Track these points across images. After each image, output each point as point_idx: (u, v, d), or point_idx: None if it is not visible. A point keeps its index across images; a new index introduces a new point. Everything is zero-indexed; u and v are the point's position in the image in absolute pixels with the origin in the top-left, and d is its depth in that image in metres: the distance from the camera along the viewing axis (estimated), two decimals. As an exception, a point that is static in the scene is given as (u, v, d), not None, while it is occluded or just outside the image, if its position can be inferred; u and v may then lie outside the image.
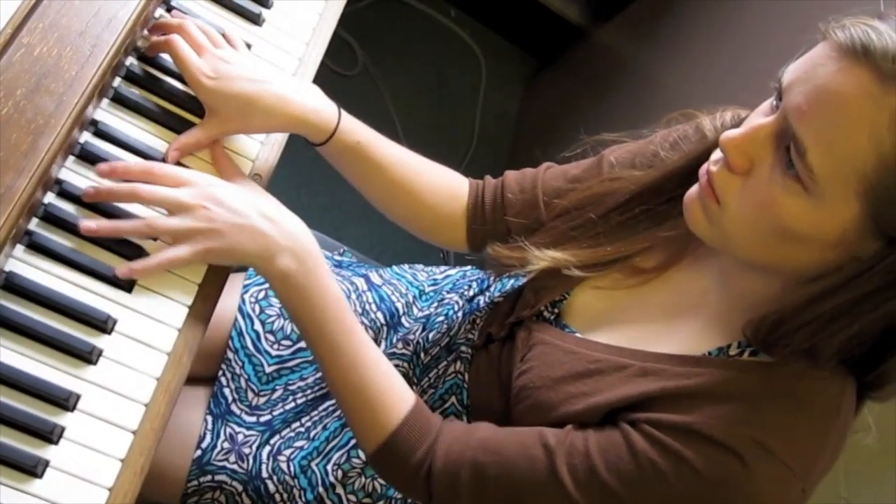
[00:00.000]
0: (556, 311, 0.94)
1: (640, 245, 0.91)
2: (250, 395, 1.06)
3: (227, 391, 1.05)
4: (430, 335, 1.09)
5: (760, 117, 0.74)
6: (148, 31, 0.93)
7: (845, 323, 0.71)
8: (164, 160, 0.88)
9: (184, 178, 0.85)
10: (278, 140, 1.00)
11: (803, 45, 0.73)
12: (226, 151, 0.93)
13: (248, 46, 1.00)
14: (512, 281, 1.05)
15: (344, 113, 0.96)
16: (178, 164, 0.90)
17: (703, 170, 0.78)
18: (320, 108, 0.94)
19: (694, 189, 0.79)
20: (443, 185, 1.04)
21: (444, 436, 0.87)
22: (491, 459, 0.84)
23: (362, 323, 1.11)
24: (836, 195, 0.68)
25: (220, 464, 1.00)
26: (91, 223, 0.81)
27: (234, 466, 1.01)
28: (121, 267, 0.81)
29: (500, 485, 0.84)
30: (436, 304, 1.13)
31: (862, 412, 0.80)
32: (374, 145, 0.99)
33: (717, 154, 0.77)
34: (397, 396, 0.88)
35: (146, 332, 0.82)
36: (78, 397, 0.77)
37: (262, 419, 1.05)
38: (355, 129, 0.97)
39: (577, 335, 0.91)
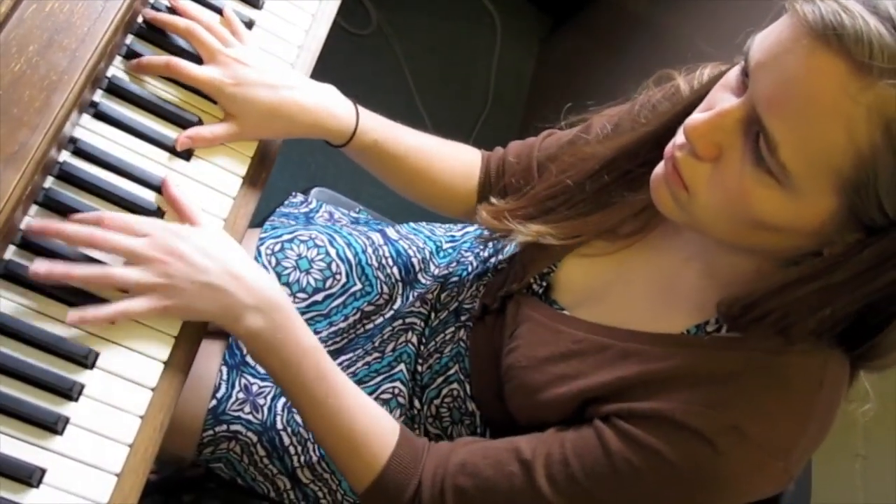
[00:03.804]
0: (544, 283, 0.94)
1: (619, 213, 0.89)
2: None
3: (241, 343, 1.05)
4: (443, 296, 1.09)
5: (726, 94, 0.69)
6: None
7: (817, 306, 0.69)
8: (174, 143, 0.87)
9: (139, 227, 0.79)
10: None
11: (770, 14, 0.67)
12: (187, 198, 0.85)
13: (250, 25, 0.98)
14: (522, 244, 1.04)
15: (361, 111, 0.98)
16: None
17: (668, 151, 0.74)
18: (339, 112, 0.96)
19: (660, 170, 0.75)
20: (458, 165, 1.06)
21: (428, 463, 0.86)
22: (471, 482, 0.83)
23: (378, 278, 1.11)
24: (811, 190, 0.64)
25: (236, 414, 1.01)
26: (41, 267, 0.75)
27: (249, 417, 1.01)
28: (72, 313, 0.75)
29: None
30: (454, 263, 1.13)
31: (858, 382, 0.78)
32: (392, 139, 1.01)
33: (681, 137, 0.72)
34: (381, 433, 0.87)
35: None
36: (97, 355, 0.77)
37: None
38: (373, 127, 0.99)
39: (565, 312, 0.90)
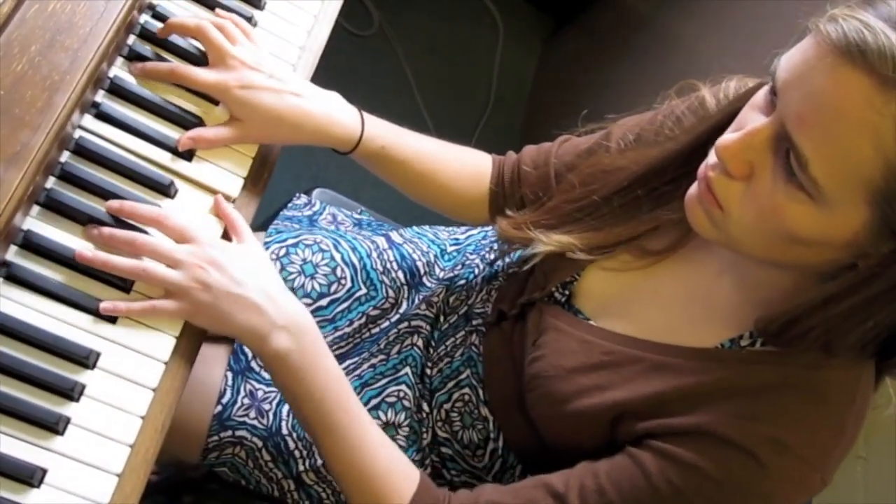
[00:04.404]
0: (566, 292, 0.93)
1: (645, 227, 0.89)
2: None
3: (246, 348, 1.05)
4: (451, 299, 1.08)
5: (756, 114, 0.71)
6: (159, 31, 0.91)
7: (860, 319, 0.70)
8: (176, 143, 0.87)
9: (191, 233, 0.81)
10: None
11: (795, 34, 0.69)
12: (235, 213, 0.87)
13: (250, 20, 0.98)
14: (531, 249, 1.04)
15: (366, 118, 0.97)
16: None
17: (701, 172, 0.75)
18: (344, 120, 0.95)
19: (693, 191, 0.76)
20: (466, 169, 1.06)
21: None
22: None
23: (383, 283, 1.11)
24: (843, 202, 0.65)
25: (241, 419, 1.01)
26: (87, 252, 0.78)
27: (255, 422, 1.01)
28: (105, 302, 0.77)
29: None
30: (459, 266, 1.13)
31: (882, 384, 0.79)
32: (398, 145, 1.00)
33: (714, 157, 0.73)
34: (402, 475, 0.86)
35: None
36: (98, 355, 0.77)
37: (282, 376, 1.05)
38: (379, 133, 0.98)
39: (591, 322, 0.90)
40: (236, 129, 0.90)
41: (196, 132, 0.88)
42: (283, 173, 1.77)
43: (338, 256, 1.10)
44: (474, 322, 1.02)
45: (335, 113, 0.95)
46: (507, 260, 1.05)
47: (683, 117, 0.91)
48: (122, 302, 0.78)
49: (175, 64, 0.89)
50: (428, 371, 1.05)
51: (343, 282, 1.10)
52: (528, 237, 0.93)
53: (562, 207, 0.94)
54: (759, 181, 0.70)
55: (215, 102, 0.92)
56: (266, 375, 1.04)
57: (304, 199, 1.27)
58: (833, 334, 0.71)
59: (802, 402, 0.74)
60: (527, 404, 0.91)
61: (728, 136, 0.71)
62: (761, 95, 0.72)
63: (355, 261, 1.11)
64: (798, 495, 0.75)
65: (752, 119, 0.71)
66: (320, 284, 1.09)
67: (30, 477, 0.70)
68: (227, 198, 0.89)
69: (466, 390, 1.00)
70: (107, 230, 0.79)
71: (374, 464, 0.84)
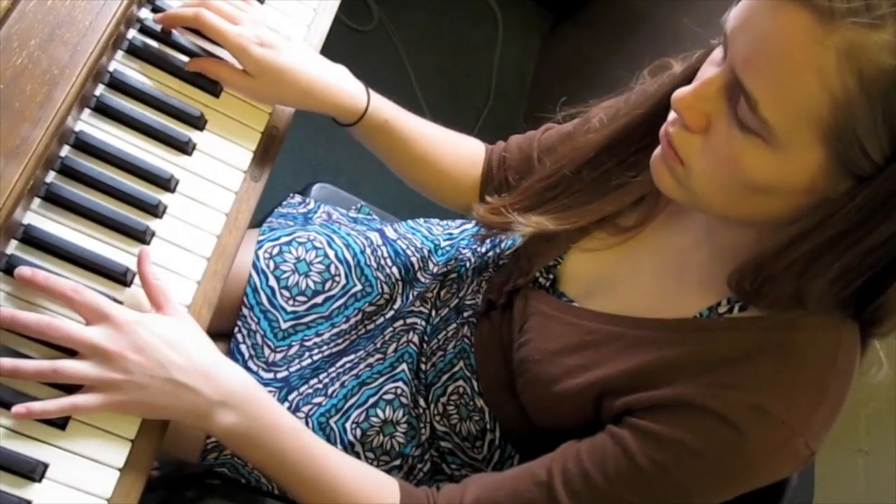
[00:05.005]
0: (551, 276, 0.94)
1: (619, 200, 0.89)
2: (266, 351, 1.06)
3: (243, 347, 1.05)
4: (442, 293, 1.09)
5: (711, 67, 0.71)
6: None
7: (825, 263, 0.69)
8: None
9: (104, 311, 0.74)
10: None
11: None
12: (158, 280, 0.80)
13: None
14: (520, 238, 1.04)
15: (372, 92, 0.99)
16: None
17: (662, 130, 0.75)
18: (352, 90, 0.98)
19: (658, 151, 0.76)
20: (462, 155, 1.07)
21: None
22: None
23: (377, 279, 1.11)
24: (797, 143, 0.65)
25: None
26: None
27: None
28: (18, 406, 0.70)
29: None
30: (452, 261, 1.13)
31: (873, 349, 0.79)
32: (400, 122, 1.02)
33: (673, 113, 0.74)
34: (382, 497, 0.84)
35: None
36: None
37: (279, 375, 1.05)
38: (383, 108, 1.00)
39: (574, 304, 0.90)
40: (248, 81, 0.92)
41: (212, 64, 0.90)
42: (282, 170, 1.77)
43: (331, 254, 1.10)
44: (465, 314, 1.02)
45: (344, 82, 0.97)
46: (497, 251, 1.05)
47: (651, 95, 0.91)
48: (37, 403, 0.71)
49: (201, 10, 0.90)
50: (423, 366, 1.05)
51: (338, 279, 1.10)
52: (506, 221, 0.94)
53: (534, 187, 0.95)
54: (716, 132, 0.70)
55: (216, 95, 0.92)
56: (264, 375, 1.04)
57: (298, 198, 1.27)
58: (802, 280, 0.71)
59: (780, 366, 0.73)
60: (517, 390, 0.91)
61: (683, 89, 0.71)
62: (717, 51, 0.72)
63: (349, 257, 1.11)
64: (783, 462, 0.75)
65: (708, 73, 0.71)
66: (314, 282, 1.09)
67: (31, 471, 0.70)
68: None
69: (461, 382, 1.00)
70: (7, 314, 0.72)
71: (355, 497, 0.83)
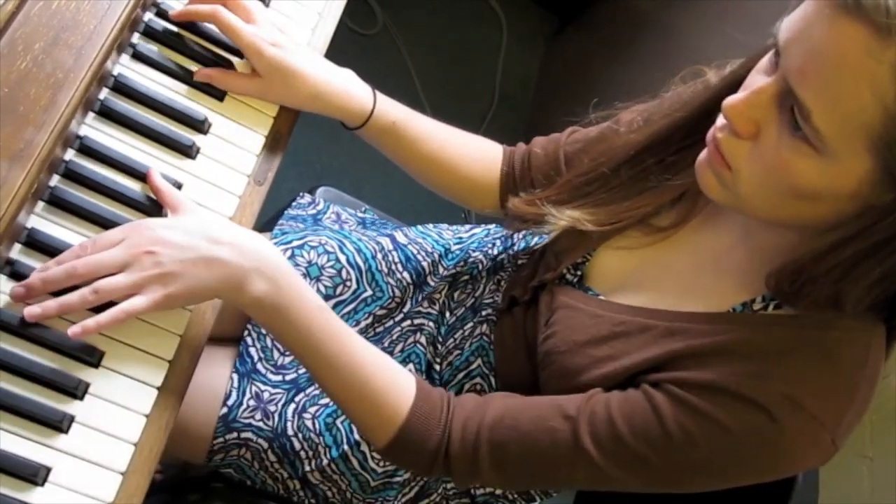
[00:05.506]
0: (578, 273, 0.94)
1: (656, 198, 0.90)
2: (276, 354, 1.06)
3: (252, 350, 1.05)
4: (456, 294, 1.09)
5: (760, 76, 0.73)
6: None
7: (866, 268, 0.71)
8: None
9: (116, 235, 0.77)
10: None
11: None
12: (167, 183, 0.84)
13: (265, 1, 0.99)
14: (536, 239, 1.04)
15: (378, 95, 1.00)
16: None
17: (709, 135, 0.77)
18: (359, 93, 0.98)
19: (703, 155, 0.77)
20: (478, 155, 1.07)
21: (457, 415, 0.85)
22: (509, 435, 0.83)
23: (388, 284, 1.11)
24: (846, 152, 0.67)
25: (246, 421, 1.01)
26: (35, 308, 0.73)
27: (260, 424, 1.01)
28: (74, 326, 0.73)
29: (521, 460, 0.83)
30: (462, 263, 1.13)
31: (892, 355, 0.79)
32: (409, 123, 1.02)
33: (721, 119, 0.75)
34: (399, 387, 0.86)
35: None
36: (103, 354, 0.77)
37: (288, 378, 1.05)
38: (389, 110, 1.00)
39: (601, 297, 0.91)
40: (257, 84, 0.93)
41: (219, 73, 0.91)
42: (286, 173, 1.77)
43: (343, 258, 1.10)
44: (483, 313, 1.02)
45: (352, 86, 0.98)
46: (511, 252, 1.05)
47: (689, 99, 0.92)
48: (89, 320, 0.74)
49: (218, 7, 0.91)
50: (436, 367, 1.05)
51: (349, 283, 1.10)
52: (540, 213, 0.94)
53: (572, 181, 0.96)
54: (766, 139, 0.71)
55: (221, 98, 0.92)
56: (272, 377, 1.04)
57: (307, 198, 1.27)
58: (841, 284, 0.72)
59: (815, 364, 0.74)
60: (540, 383, 0.91)
61: (734, 96, 0.73)
62: (766, 60, 0.73)
63: (360, 262, 1.11)
64: (810, 457, 0.76)
65: (758, 81, 0.73)
66: (326, 287, 1.09)
67: (34, 475, 0.70)
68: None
69: (478, 380, 1.01)
70: (38, 278, 0.74)
71: (371, 381, 0.84)
